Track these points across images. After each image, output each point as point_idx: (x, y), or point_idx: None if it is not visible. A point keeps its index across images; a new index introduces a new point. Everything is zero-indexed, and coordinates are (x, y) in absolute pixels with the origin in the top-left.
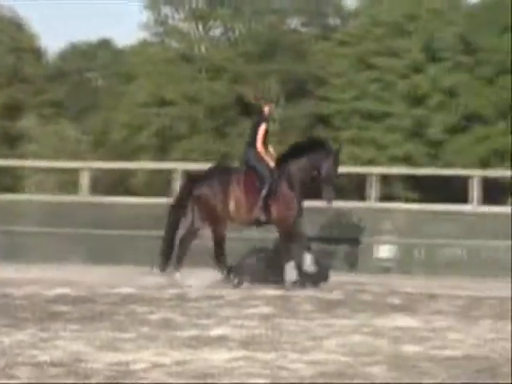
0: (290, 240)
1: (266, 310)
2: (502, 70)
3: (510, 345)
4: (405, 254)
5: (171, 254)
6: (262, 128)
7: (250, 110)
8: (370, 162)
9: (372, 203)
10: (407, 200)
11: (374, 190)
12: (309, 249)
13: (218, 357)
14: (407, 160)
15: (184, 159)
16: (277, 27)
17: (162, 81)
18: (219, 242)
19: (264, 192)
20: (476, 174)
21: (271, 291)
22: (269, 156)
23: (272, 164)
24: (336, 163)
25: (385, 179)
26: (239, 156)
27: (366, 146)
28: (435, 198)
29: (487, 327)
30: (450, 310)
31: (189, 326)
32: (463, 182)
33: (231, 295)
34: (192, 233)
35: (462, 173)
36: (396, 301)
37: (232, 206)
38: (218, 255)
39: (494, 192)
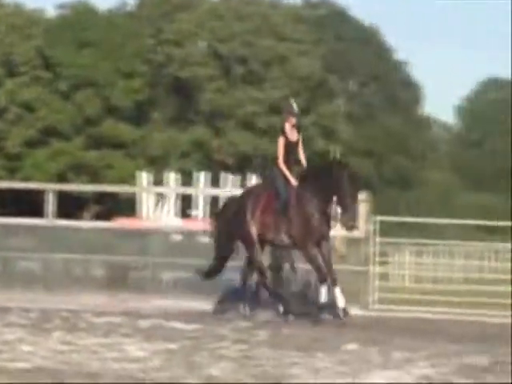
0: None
1: None
2: (78, 85)
3: (78, 356)
4: None
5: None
6: (280, 142)
7: None
8: None
9: None
10: None
11: None
12: (324, 280)
13: None
14: None
15: None
16: None
17: None
18: (258, 267)
19: (279, 213)
20: (51, 188)
21: None
22: (294, 172)
23: (294, 182)
24: (354, 188)
25: None
26: None
27: None
28: (13, 211)
29: (58, 339)
30: (22, 323)
31: None
32: (41, 195)
33: None
34: (248, 267)
35: (37, 187)
36: None
37: (255, 227)
38: (262, 282)
39: (70, 206)
